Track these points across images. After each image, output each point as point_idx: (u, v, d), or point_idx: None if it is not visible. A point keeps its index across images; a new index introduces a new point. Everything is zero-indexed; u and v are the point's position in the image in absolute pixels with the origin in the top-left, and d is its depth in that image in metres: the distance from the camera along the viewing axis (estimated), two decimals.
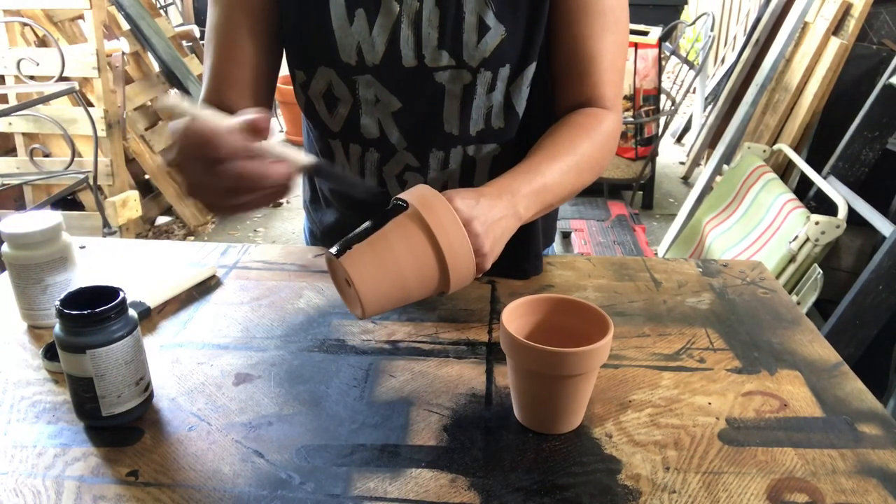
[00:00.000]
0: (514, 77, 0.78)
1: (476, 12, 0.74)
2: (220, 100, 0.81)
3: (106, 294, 0.62)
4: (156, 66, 3.28)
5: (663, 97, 3.34)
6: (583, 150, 0.76)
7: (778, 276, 1.95)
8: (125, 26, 3.14)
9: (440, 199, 0.62)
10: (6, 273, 0.79)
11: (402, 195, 0.64)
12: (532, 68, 0.78)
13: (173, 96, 0.63)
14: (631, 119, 3.14)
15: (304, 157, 0.59)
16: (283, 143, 0.58)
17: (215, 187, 0.57)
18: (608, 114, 0.80)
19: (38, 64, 2.68)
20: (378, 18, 0.75)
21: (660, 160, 3.68)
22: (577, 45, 0.78)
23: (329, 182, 0.62)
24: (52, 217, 0.76)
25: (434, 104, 0.79)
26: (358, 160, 0.84)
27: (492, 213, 0.65)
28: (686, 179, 3.88)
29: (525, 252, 0.90)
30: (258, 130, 0.56)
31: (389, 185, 0.85)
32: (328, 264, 0.66)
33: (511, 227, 0.68)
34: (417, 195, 0.63)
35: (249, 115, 0.56)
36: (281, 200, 0.68)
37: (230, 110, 0.79)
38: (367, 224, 0.63)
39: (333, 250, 0.63)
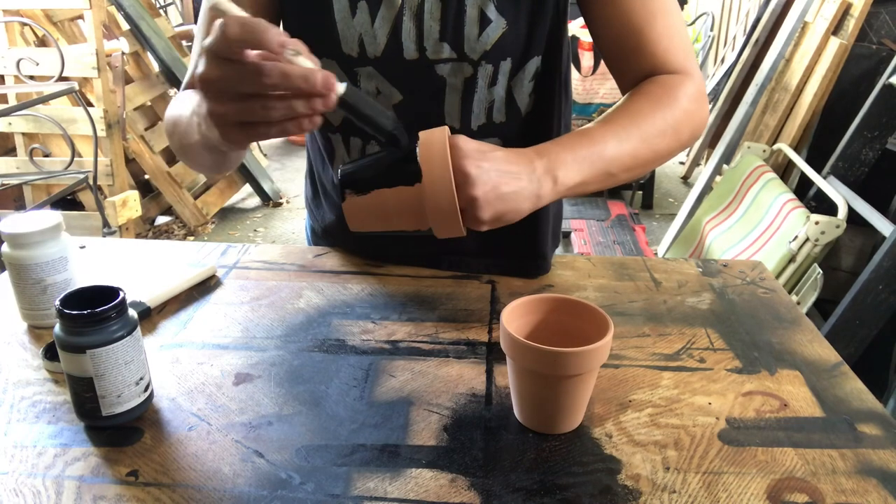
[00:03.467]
0: (516, 71, 0.78)
1: (477, 5, 0.74)
2: None
3: (106, 294, 0.62)
4: (156, 66, 3.28)
5: None
6: (647, 114, 0.71)
7: (778, 276, 1.95)
8: (125, 26, 3.14)
9: (440, 139, 0.61)
10: (6, 273, 0.79)
11: (420, 149, 0.63)
12: (535, 62, 0.78)
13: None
14: None
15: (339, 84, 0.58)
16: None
17: (240, 91, 0.54)
18: (682, 78, 0.74)
19: (37, 64, 2.68)
20: (380, 10, 0.75)
21: None
22: (621, 22, 0.75)
23: (356, 112, 0.60)
24: (52, 217, 0.76)
25: (435, 97, 0.79)
26: (359, 154, 0.84)
27: (498, 163, 0.62)
28: (686, 179, 3.89)
29: (533, 252, 0.90)
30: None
31: None
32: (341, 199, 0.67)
33: (528, 190, 0.64)
34: (431, 164, 0.61)
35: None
36: (296, 136, 0.66)
37: None
38: (377, 154, 0.65)
39: (344, 170, 0.64)
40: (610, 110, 0.73)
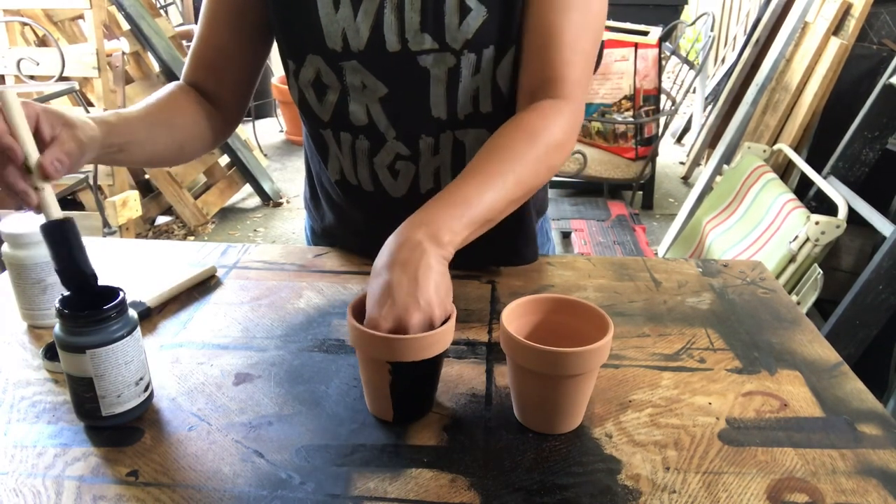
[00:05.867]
0: (499, 59, 0.78)
1: None
2: (195, 80, 0.86)
3: (106, 294, 0.62)
4: (156, 66, 3.28)
5: (663, 97, 3.34)
6: (523, 156, 0.71)
7: (778, 276, 1.95)
8: (125, 26, 3.14)
9: (366, 333, 0.60)
10: (6, 273, 0.79)
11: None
12: (514, 50, 0.78)
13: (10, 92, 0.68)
14: (631, 119, 3.14)
15: (56, 212, 0.61)
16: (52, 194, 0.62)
17: None
18: (561, 105, 0.75)
19: (38, 64, 2.68)
20: (362, 4, 0.76)
21: (660, 160, 3.68)
22: (538, 21, 0.75)
23: (55, 248, 0.62)
24: None
25: (420, 89, 0.79)
26: (349, 149, 0.84)
27: (402, 284, 0.60)
28: (686, 179, 3.88)
29: (523, 239, 0.91)
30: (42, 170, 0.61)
31: (382, 177, 0.85)
32: None
33: (442, 270, 0.63)
34: (353, 339, 0.62)
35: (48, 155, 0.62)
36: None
37: (204, 92, 0.85)
38: None
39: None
40: (486, 149, 0.72)
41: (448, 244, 0.64)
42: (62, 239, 0.60)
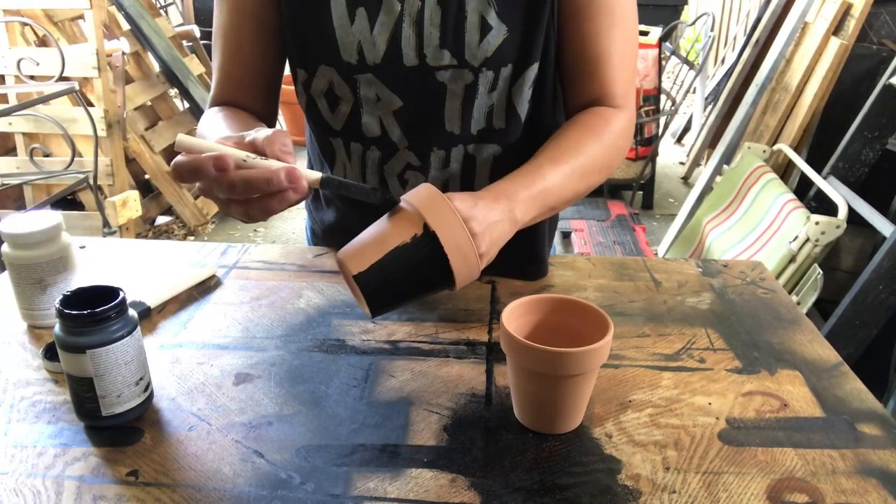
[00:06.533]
0: (516, 77, 0.78)
1: (478, 12, 0.74)
2: (228, 100, 0.84)
3: (106, 294, 0.62)
4: (156, 66, 3.28)
5: (663, 97, 3.34)
6: (588, 151, 0.74)
7: (778, 276, 1.95)
8: (125, 26, 3.14)
9: (442, 197, 0.62)
10: (6, 273, 0.79)
11: (405, 195, 0.64)
12: (534, 69, 0.78)
13: (184, 136, 0.66)
14: None
15: (312, 173, 0.60)
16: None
17: (223, 198, 0.59)
18: (618, 112, 0.79)
19: (38, 64, 2.68)
20: (379, 17, 0.75)
21: (660, 160, 3.68)
22: (585, 44, 0.77)
23: (340, 191, 0.62)
24: (52, 217, 0.76)
25: (435, 103, 0.79)
26: (359, 158, 0.84)
27: (489, 215, 0.64)
28: (686, 179, 3.89)
29: (531, 256, 0.90)
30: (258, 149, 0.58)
31: (391, 184, 0.85)
32: (339, 266, 0.66)
33: (507, 232, 0.67)
34: (418, 195, 0.63)
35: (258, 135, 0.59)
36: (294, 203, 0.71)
37: (239, 108, 0.83)
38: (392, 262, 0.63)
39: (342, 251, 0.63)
40: (558, 142, 0.75)
41: (519, 222, 0.68)
42: (337, 187, 0.61)
